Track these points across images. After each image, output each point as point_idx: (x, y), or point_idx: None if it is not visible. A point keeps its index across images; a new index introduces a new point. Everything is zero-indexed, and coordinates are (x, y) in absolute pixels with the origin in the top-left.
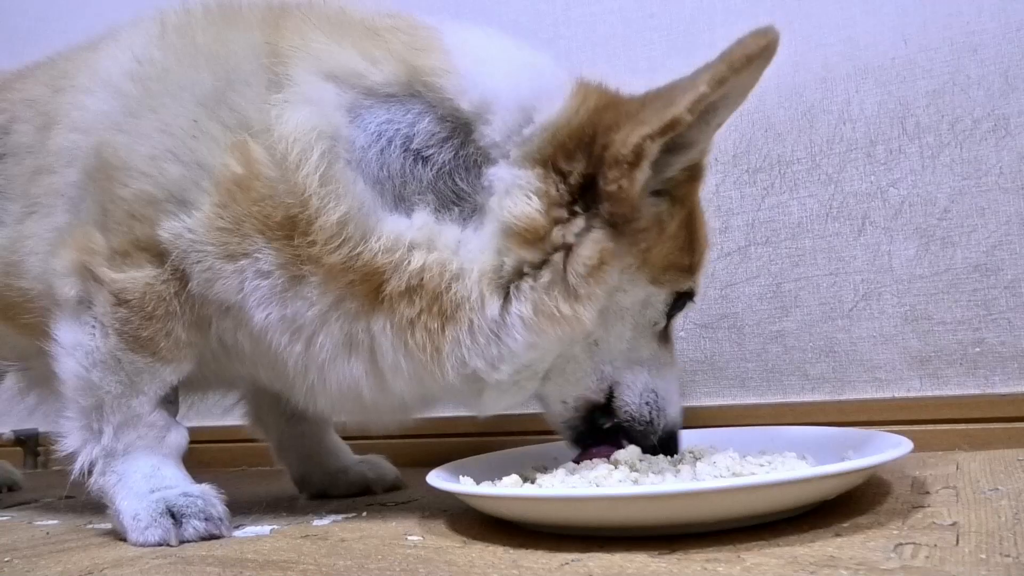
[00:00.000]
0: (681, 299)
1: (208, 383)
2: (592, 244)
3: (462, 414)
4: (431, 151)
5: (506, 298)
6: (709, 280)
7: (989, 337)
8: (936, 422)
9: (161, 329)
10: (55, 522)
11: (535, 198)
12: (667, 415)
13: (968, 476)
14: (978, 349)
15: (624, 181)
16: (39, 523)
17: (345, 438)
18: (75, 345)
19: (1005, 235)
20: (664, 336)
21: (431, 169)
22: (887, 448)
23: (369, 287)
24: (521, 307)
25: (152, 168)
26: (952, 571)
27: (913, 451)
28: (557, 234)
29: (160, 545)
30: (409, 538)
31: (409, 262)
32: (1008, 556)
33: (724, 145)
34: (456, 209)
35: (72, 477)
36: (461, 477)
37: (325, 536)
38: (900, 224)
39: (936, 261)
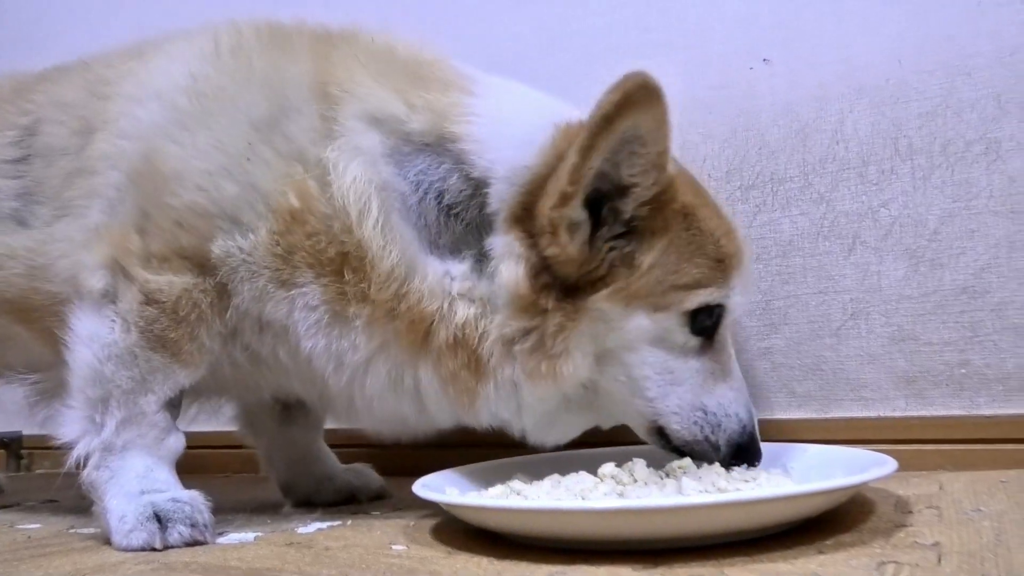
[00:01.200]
0: (705, 314)
1: (212, 390)
2: (559, 304)
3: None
4: (459, 207)
5: (512, 359)
6: None
7: (975, 359)
8: (921, 442)
9: (188, 333)
10: (37, 526)
11: (518, 264)
12: (726, 428)
13: (951, 496)
14: (964, 371)
15: (552, 249)
16: (21, 527)
17: (332, 446)
18: (92, 336)
19: (993, 258)
20: (709, 349)
21: (461, 224)
22: (871, 467)
23: (416, 335)
24: (517, 369)
25: (207, 183)
26: None
27: (897, 470)
28: (543, 300)
29: (144, 549)
30: (394, 547)
31: (456, 313)
32: None
33: (717, 161)
34: (485, 267)
35: (65, 468)
36: (447, 487)
37: (310, 544)
38: (890, 244)
39: (924, 282)
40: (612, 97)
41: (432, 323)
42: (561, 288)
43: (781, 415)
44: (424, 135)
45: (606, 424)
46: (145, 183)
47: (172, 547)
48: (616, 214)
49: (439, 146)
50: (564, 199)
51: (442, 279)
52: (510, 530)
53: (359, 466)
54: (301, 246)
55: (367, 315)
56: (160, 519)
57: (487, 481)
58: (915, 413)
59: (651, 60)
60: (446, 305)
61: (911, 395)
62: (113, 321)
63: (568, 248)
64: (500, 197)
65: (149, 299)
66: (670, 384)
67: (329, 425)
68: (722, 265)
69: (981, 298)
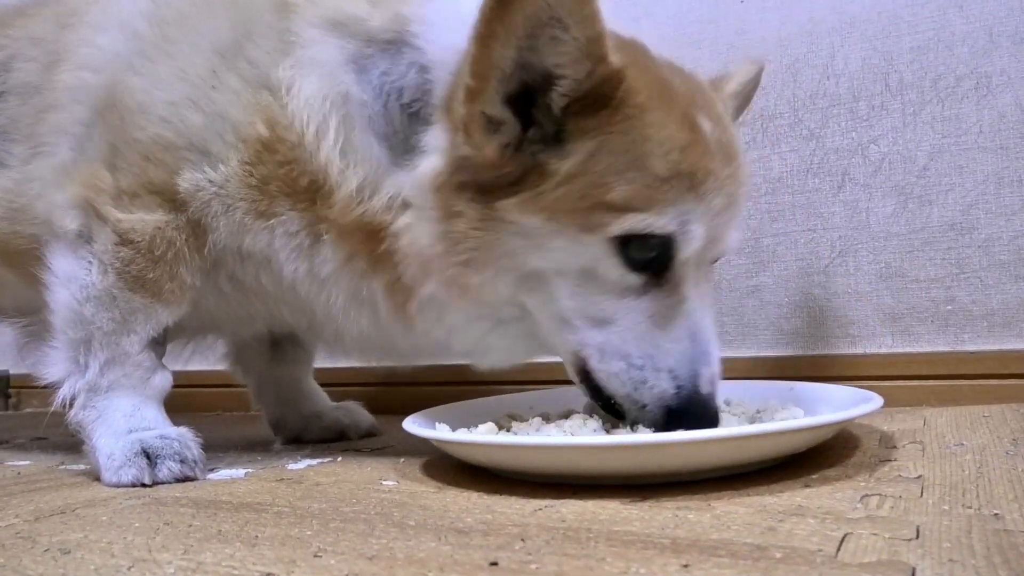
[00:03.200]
0: (639, 244)
1: (201, 326)
2: (469, 207)
3: (440, 361)
4: (419, 104)
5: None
6: None
7: (961, 295)
8: (906, 378)
9: (167, 272)
10: (27, 462)
11: (437, 158)
12: (654, 386)
13: (935, 431)
14: (950, 307)
15: (466, 148)
16: (11, 464)
17: (322, 384)
18: (70, 277)
19: (981, 194)
20: (657, 289)
21: (421, 122)
22: (857, 403)
23: (371, 245)
24: (434, 282)
25: (172, 114)
26: (915, 521)
27: (883, 406)
28: (456, 201)
29: (134, 485)
30: (384, 483)
31: (396, 221)
32: (970, 508)
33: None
34: None
35: (52, 407)
36: (437, 424)
37: (300, 480)
38: (879, 181)
39: (913, 219)
40: None
41: (382, 233)
42: (474, 188)
43: (769, 352)
44: (385, 31)
45: (549, 354)
46: (111, 117)
47: (162, 483)
48: (547, 112)
49: (399, 40)
50: (471, 94)
51: (399, 186)
52: (500, 465)
53: (349, 404)
54: (275, 175)
55: (335, 232)
56: (149, 455)
57: (477, 419)
58: (901, 350)
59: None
60: (393, 214)
61: (897, 332)
62: (90, 263)
63: (485, 150)
64: (442, 85)
65: (123, 239)
66: (598, 322)
67: (321, 364)
68: (669, 185)
69: (968, 234)
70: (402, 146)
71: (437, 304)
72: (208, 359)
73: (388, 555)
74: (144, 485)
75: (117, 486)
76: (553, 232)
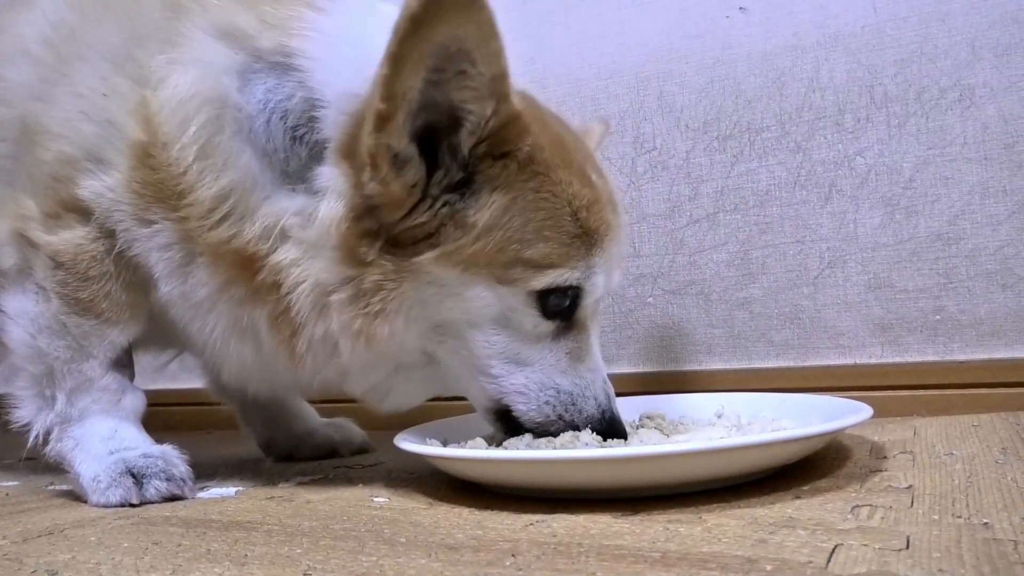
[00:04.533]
0: (558, 296)
1: (168, 343)
2: (381, 258)
3: None
4: (303, 130)
5: (328, 312)
6: (678, 246)
7: (949, 305)
8: (896, 388)
9: (99, 290)
10: (15, 483)
11: (339, 202)
12: (583, 410)
13: (925, 441)
14: (938, 317)
15: (373, 185)
16: None
17: (312, 401)
18: (20, 312)
19: (967, 204)
20: (567, 331)
21: (305, 149)
22: (847, 414)
23: (247, 274)
24: (331, 324)
25: (67, 129)
26: (905, 531)
27: (873, 416)
28: (364, 249)
29: (122, 506)
30: (375, 500)
31: (276, 252)
32: (960, 517)
33: (694, 112)
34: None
35: (28, 446)
36: (427, 440)
37: (291, 498)
38: (866, 193)
39: (900, 230)
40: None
41: (258, 263)
42: (387, 240)
43: (759, 364)
44: (274, 52)
45: (450, 392)
46: (25, 144)
47: (150, 502)
48: (453, 154)
49: (286, 63)
50: (381, 121)
51: (279, 213)
52: (492, 480)
53: (340, 420)
54: (151, 180)
55: (208, 254)
56: (134, 475)
57: (467, 434)
58: (891, 360)
59: (627, 11)
60: (272, 244)
61: (887, 342)
62: (36, 293)
63: (392, 186)
64: (330, 124)
65: (55, 262)
66: (517, 365)
67: None
68: (580, 241)
69: (955, 245)
70: (284, 170)
71: (329, 346)
72: (198, 377)
73: (378, 572)
74: (132, 505)
75: (105, 507)
76: (470, 282)
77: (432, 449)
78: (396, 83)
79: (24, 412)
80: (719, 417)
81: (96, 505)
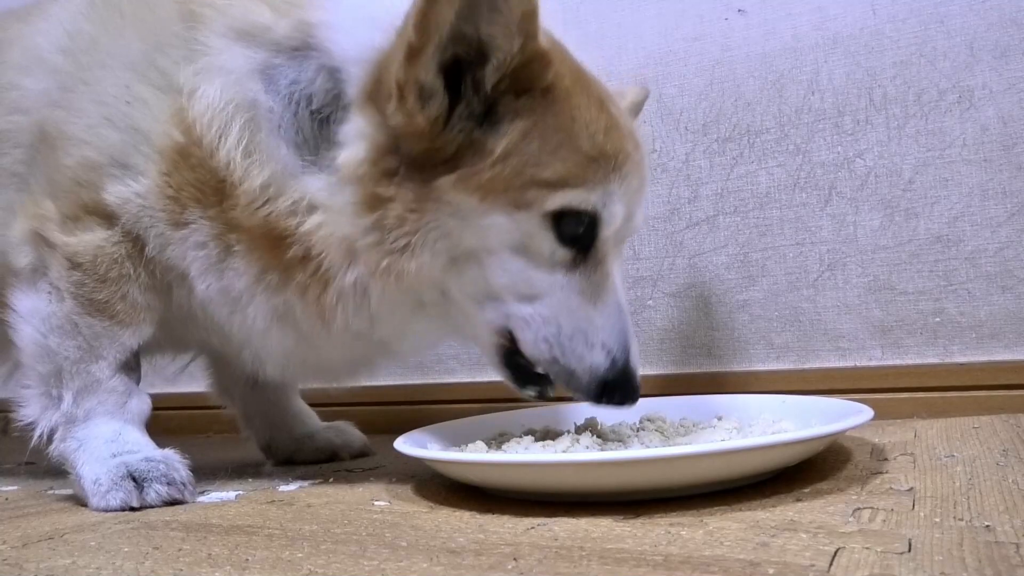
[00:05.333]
0: (572, 220)
1: (176, 347)
2: (402, 191)
3: (431, 381)
4: (328, 108)
5: (356, 261)
6: (677, 249)
7: (949, 307)
8: (896, 390)
9: (116, 292)
10: (15, 488)
11: (360, 145)
12: (585, 358)
13: (925, 443)
14: (938, 319)
15: (398, 116)
16: None
17: (312, 404)
18: (32, 312)
19: (967, 207)
20: (583, 265)
21: (331, 128)
22: (848, 416)
23: (279, 252)
24: (360, 271)
25: (91, 136)
26: (907, 534)
27: (873, 419)
28: (385, 187)
29: (122, 510)
30: (376, 503)
31: (305, 223)
32: (961, 520)
33: (694, 114)
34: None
35: (32, 444)
36: (428, 443)
37: (291, 502)
38: (866, 195)
39: (900, 232)
40: None
41: (289, 239)
42: (407, 168)
43: (760, 366)
44: (291, 39)
45: (459, 339)
46: (44, 149)
47: (150, 506)
48: (477, 87)
49: (305, 46)
50: (412, 53)
51: (307, 190)
52: (492, 484)
53: (341, 424)
54: (188, 181)
55: (244, 242)
56: (136, 479)
57: (467, 437)
58: (891, 362)
59: (626, 13)
60: (300, 218)
61: (887, 344)
62: (49, 293)
63: (417, 118)
64: (353, 80)
65: (72, 262)
66: (528, 297)
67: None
68: (596, 164)
69: (955, 247)
70: (311, 152)
71: (359, 292)
72: (200, 381)
73: None
74: (133, 509)
75: (105, 511)
76: (488, 210)
77: (432, 453)
78: (431, 15)
79: (29, 411)
80: (719, 420)
81: (96, 509)
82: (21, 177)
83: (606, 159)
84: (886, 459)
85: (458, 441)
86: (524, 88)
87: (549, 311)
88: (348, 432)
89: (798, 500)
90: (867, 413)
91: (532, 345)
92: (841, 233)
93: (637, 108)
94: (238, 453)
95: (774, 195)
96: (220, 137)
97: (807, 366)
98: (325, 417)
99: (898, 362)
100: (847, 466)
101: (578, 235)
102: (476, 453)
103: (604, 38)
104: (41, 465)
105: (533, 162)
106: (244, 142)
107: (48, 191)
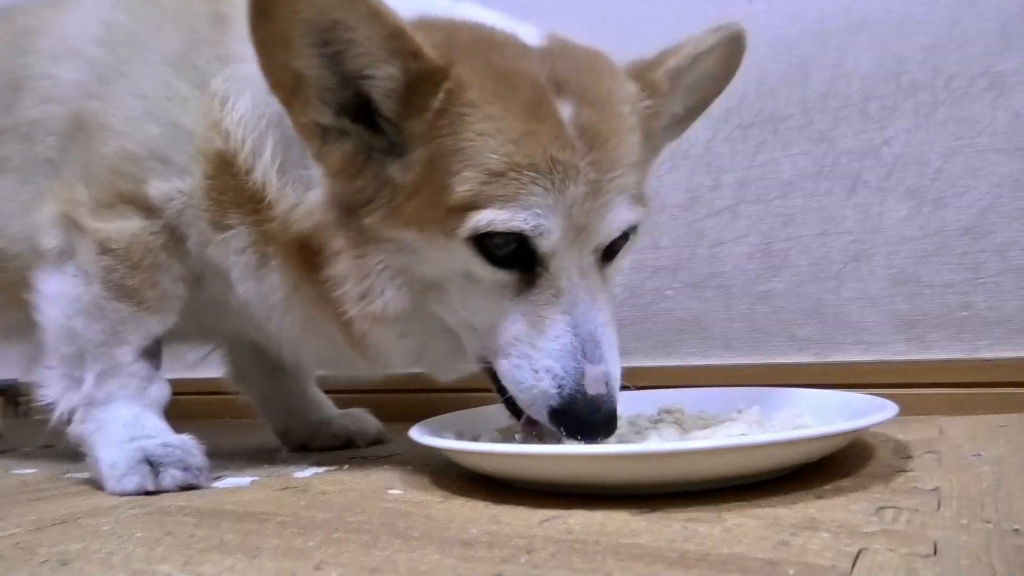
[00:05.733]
0: (497, 241)
1: (203, 336)
2: (346, 240)
3: None
4: None
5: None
6: (698, 238)
7: (977, 301)
8: (921, 386)
9: (148, 279)
10: (33, 471)
11: (317, 190)
12: (533, 387)
13: (951, 441)
14: (965, 313)
15: (316, 162)
16: (16, 472)
17: (329, 391)
18: (58, 294)
19: (997, 197)
20: (532, 285)
21: None
22: (871, 412)
23: (313, 268)
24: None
25: (130, 128)
26: (933, 536)
27: (897, 415)
28: (334, 239)
29: (137, 494)
30: (390, 492)
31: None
32: (989, 522)
33: (716, 100)
34: None
35: (50, 425)
36: (443, 432)
37: (305, 488)
38: (892, 184)
39: (927, 223)
40: None
41: (320, 257)
42: (345, 217)
43: (781, 359)
44: None
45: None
46: (80, 138)
47: (166, 491)
48: (389, 122)
49: None
50: (284, 104)
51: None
52: (507, 474)
53: (357, 411)
54: (229, 187)
55: (280, 254)
56: (152, 463)
57: (484, 426)
58: (915, 357)
59: None
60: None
61: (912, 338)
62: (75, 276)
63: (330, 159)
64: None
65: (103, 248)
66: (491, 324)
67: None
68: (507, 179)
69: (984, 239)
70: None
71: (360, 336)
72: (218, 366)
73: (391, 568)
74: (148, 493)
75: (121, 495)
76: (428, 241)
77: (446, 442)
78: (276, 69)
79: (50, 391)
80: (739, 412)
81: (112, 492)
82: (52, 164)
83: (520, 171)
84: (910, 457)
85: (474, 430)
86: (420, 107)
87: (502, 340)
88: (364, 419)
89: (819, 497)
90: (891, 409)
91: (504, 378)
92: (866, 223)
93: (711, 62)
94: (255, 439)
95: (797, 183)
96: (255, 155)
97: (829, 359)
98: (342, 404)
99: (923, 357)
100: (870, 463)
101: (509, 256)
102: (489, 444)
103: (622, 22)
104: (59, 448)
105: (442, 187)
106: (279, 161)
107: (82, 177)
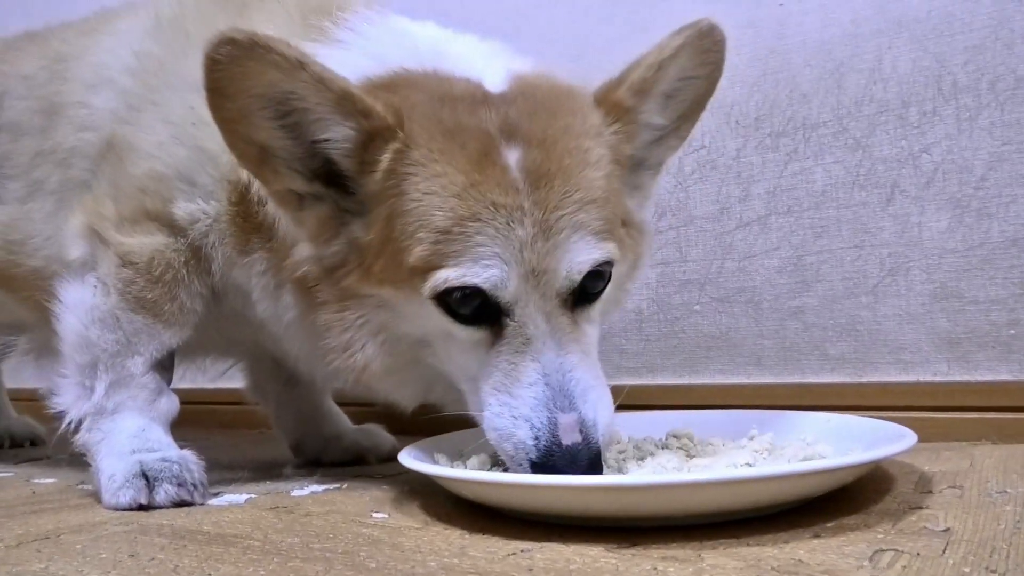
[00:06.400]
0: (458, 298)
1: (220, 348)
2: (327, 294)
3: None
4: None
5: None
6: (727, 251)
7: None
8: (963, 409)
9: (167, 293)
10: (52, 480)
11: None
12: (511, 437)
13: (979, 474)
14: (1013, 331)
15: (293, 227)
16: (36, 481)
17: (344, 404)
18: (77, 303)
19: None
20: (503, 337)
21: None
22: (888, 441)
23: (318, 303)
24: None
25: (159, 151)
26: None
27: (934, 441)
28: (320, 292)
29: (131, 508)
30: (374, 515)
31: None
32: (994, 572)
33: (745, 108)
34: None
35: (58, 432)
36: (435, 454)
37: (293, 508)
38: (932, 193)
39: (970, 234)
40: (205, 61)
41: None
42: (325, 274)
43: (813, 379)
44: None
45: None
46: (111, 158)
47: (160, 506)
48: (356, 184)
49: None
50: (253, 174)
51: None
52: (483, 501)
53: (371, 427)
54: (251, 213)
55: (292, 284)
56: (148, 477)
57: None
58: (958, 378)
59: (674, 1)
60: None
61: (954, 358)
62: (95, 286)
63: (305, 224)
64: None
65: (124, 261)
66: (472, 379)
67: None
68: (453, 235)
69: None
70: None
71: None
72: (234, 377)
73: None
74: (142, 507)
75: (116, 508)
76: (403, 300)
77: (425, 466)
78: (239, 143)
79: (63, 399)
80: (751, 439)
81: (107, 506)
82: (86, 184)
83: (465, 224)
84: (930, 492)
85: (476, 451)
86: (372, 165)
87: (483, 393)
88: (377, 435)
89: (816, 536)
90: (902, 442)
91: (485, 428)
92: (904, 235)
93: (680, 66)
94: (266, 451)
95: (831, 194)
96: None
97: (865, 380)
98: (359, 419)
99: (967, 378)
100: (884, 498)
101: (476, 312)
102: (461, 470)
103: (649, 29)
104: (56, 458)
105: (401, 248)
106: None
107: (110, 193)
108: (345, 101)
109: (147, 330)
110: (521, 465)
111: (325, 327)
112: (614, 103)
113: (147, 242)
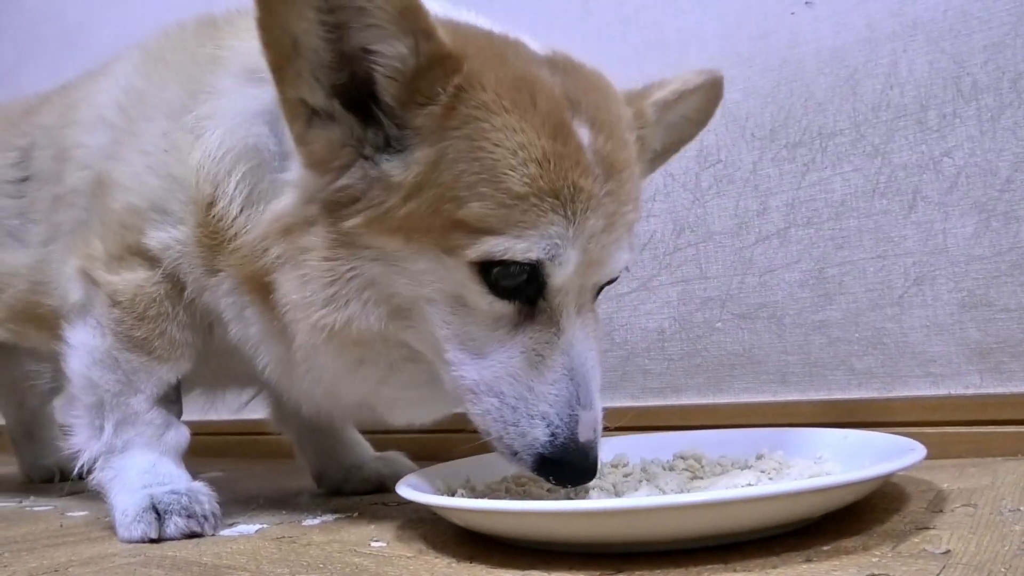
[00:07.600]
0: (504, 271)
1: (230, 379)
2: (318, 239)
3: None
4: None
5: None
6: (747, 266)
7: None
8: (998, 423)
9: (154, 329)
10: (84, 513)
11: (291, 193)
12: (526, 432)
13: (997, 491)
14: None
15: (298, 145)
16: (69, 514)
17: (367, 432)
18: (79, 344)
19: None
20: (532, 321)
21: None
22: (895, 457)
23: (272, 303)
24: (300, 330)
25: (134, 183)
26: None
27: (965, 457)
28: (306, 238)
29: (143, 541)
30: (372, 544)
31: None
32: None
33: (760, 119)
34: None
35: (74, 473)
36: (440, 480)
37: (297, 539)
38: (956, 198)
39: (998, 239)
40: None
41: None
42: (322, 215)
43: (839, 395)
44: None
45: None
46: (98, 194)
47: (170, 538)
48: (388, 111)
49: None
50: (274, 70)
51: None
52: (474, 529)
53: (391, 454)
54: (216, 230)
55: (249, 293)
56: (158, 511)
57: (485, 475)
58: (991, 390)
59: (687, 17)
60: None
61: (986, 369)
62: (94, 328)
63: (313, 145)
64: None
65: (113, 300)
66: (472, 354)
67: None
68: (528, 203)
69: None
70: None
71: (309, 354)
72: (258, 408)
73: None
74: (153, 540)
75: (129, 542)
76: (416, 254)
77: (415, 495)
78: (273, 27)
79: (77, 440)
80: (759, 458)
81: (122, 540)
82: (83, 223)
83: (543, 196)
84: (941, 510)
85: (484, 477)
86: (428, 96)
87: (492, 375)
88: (397, 462)
89: (807, 560)
90: (907, 458)
91: (480, 419)
92: (929, 243)
93: (694, 102)
94: (295, 481)
95: (851, 203)
96: (216, 187)
97: (893, 394)
98: (380, 445)
99: (1001, 390)
100: (892, 517)
101: (517, 287)
102: (451, 499)
103: (664, 46)
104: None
105: (449, 196)
106: (244, 193)
107: (98, 232)
108: (410, 14)
109: (144, 368)
110: (525, 460)
111: (305, 280)
112: (641, 110)
113: (130, 278)
